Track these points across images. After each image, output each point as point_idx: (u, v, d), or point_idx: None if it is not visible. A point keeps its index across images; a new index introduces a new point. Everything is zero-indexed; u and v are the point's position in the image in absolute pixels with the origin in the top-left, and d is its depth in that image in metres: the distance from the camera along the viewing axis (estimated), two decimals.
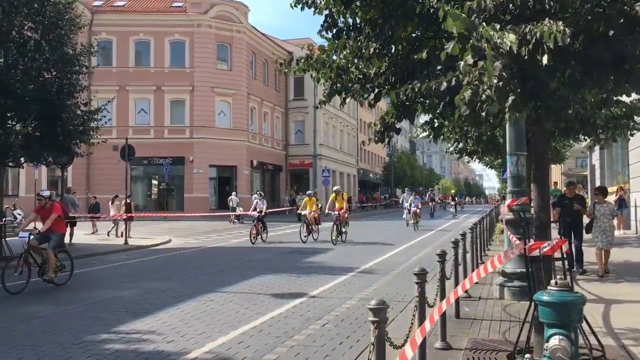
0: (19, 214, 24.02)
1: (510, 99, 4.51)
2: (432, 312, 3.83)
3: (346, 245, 19.14)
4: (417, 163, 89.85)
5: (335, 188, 22.31)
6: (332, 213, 20.12)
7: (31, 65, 14.45)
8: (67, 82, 15.73)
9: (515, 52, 4.05)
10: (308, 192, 24.55)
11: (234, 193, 35.87)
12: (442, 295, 6.53)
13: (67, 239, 17.64)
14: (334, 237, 19.16)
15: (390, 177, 69.76)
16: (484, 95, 4.41)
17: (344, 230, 20.07)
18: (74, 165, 23.37)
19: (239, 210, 32.75)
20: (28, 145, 14.68)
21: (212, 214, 34.33)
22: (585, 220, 11.67)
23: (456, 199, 51.83)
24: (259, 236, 19.97)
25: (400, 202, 44.00)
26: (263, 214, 20.56)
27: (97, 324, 7.82)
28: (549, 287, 3.30)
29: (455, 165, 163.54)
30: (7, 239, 15.63)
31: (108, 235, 22.45)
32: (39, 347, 6.58)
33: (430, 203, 44.32)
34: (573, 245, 11.41)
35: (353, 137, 61.68)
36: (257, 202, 20.96)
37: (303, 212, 21.16)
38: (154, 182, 39.82)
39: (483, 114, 4.32)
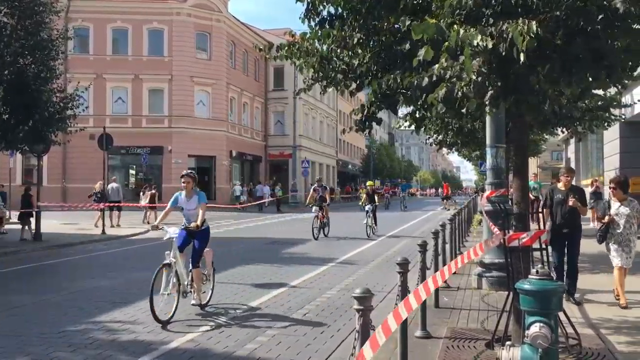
0: None
1: (489, 94, 4.57)
2: (412, 295, 3.87)
3: (326, 236, 19.20)
4: (395, 155, 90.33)
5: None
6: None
7: (7, 51, 14.18)
8: (43, 69, 15.47)
9: (494, 48, 4.09)
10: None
11: (237, 182, 39.10)
12: (428, 289, 6.60)
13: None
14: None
15: (370, 169, 69.99)
16: (459, 93, 4.45)
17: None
18: (50, 154, 22.98)
19: (243, 199, 36.29)
20: (3, 132, 14.42)
21: (222, 205, 34.29)
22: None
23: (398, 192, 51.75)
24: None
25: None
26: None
27: (78, 313, 7.77)
28: (529, 276, 3.37)
29: (433, 157, 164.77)
30: None
31: (145, 222, 23.87)
32: (19, 337, 6.52)
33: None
34: (565, 259, 8.19)
35: (332, 129, 61.73)
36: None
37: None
38: (132, 171, 39.43)
39: (463, 110, 4.36)
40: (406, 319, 5.33)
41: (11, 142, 15.70)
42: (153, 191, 25.34)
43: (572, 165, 28.55)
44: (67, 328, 6.93)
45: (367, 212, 19.08)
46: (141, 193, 26.47)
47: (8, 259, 13.68)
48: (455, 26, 4.02)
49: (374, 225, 19.20)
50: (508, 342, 3.61)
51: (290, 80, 47.98)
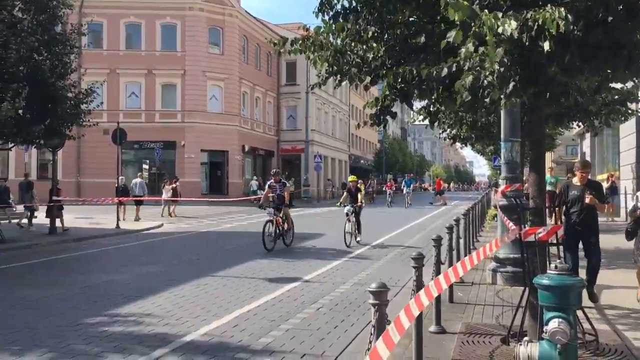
0: (10, 197, 23.78)
1: (511, 84, 4.52)
2: (423, 292, 3.84)
3: (339, 229, 19.16)
4: (408, 149, 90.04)
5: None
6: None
7: (23, 46, 14.27)
8: (58, 64, 15.57)
9: (516, 38, 4.05)
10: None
11: (254, 177, 39.81)
12: (439, 285, 6.57)
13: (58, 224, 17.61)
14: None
15: (382, 163, 69.83)
16: (485, 81, 4.41)
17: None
18: (65, 149, 23.13)
19: (260, 194, 35.77)
20: (19, 127, 14.54)
21: (238, 199, 34.48)
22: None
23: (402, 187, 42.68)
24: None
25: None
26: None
27: (92, 307, 7.82)
28: (548, 271, 3.33)
29: (446, 151, 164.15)
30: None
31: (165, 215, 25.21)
32: (34, 330, 6.57)
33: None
34: (587, 261, 7.64)
35: (345, 123, 61.60)
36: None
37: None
38: (145, 166, 39.61)
39: (487, 100, 4.31)
40: (421, 314, 5.30)
41: (26, 137, 15.82)
42: (174, 185, 26.38)
43: (588, 160, 28.26)
44: (82, 321, 6.98)
45: (347, 214, 14.97)
46: (162, 186, 27.46)
47: (23, 253, 13.81)
48: (486, 10, 3.98)
49: (356, 231, 15.04)
50: (525, 338, 3.56)
51: (302, 74, 47.91)
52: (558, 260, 3.43)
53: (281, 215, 14.17)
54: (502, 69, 4.35)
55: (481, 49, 4.25)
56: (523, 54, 4.35)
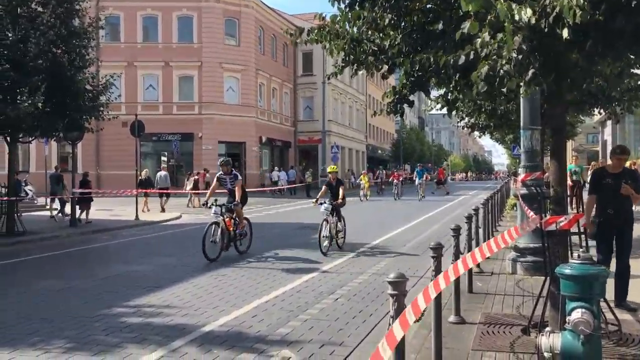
0: (30, 190, 24.14)
1: (531, 72, 4.42)
2: (442, 276, 3.80)
3: (356, 220, 19.13)
4: (426, 139, 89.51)
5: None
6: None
7: (42, 40, 14.38)
8: (76, 57, 15.67)
9: (534, 24, 3.95)
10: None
11: (276, 168, 40.62)
12: (457, 270, 6.50)
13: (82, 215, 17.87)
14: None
15: (400, 153, 69.54)
16: (501, 71, 4.33)
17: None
18: (84, 142, 23.35)
19: (282, 184, 38.10)
20: (39, 120, 14.68)
21: (262, 189, 34.96)
22: None
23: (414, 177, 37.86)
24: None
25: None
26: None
27: (112, 298, 7.88)
28: (571, 260, 3.26)
29: (464, 141, 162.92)
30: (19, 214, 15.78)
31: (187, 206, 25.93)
32: (54, 321, 6.64)
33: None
34: (616, 261, 6.79)
35: (362, 113, 61.38)
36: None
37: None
38: (163, 158, 39.83)
39: (504, 89, 4.22)
40: (440, 304, 5.25)
41: (46, 130, 15.97)
42: (197, 177, 27.32)
43: (609, 148, 27.83)
44: (102, 312, 7.04)
45: (325, 212, 11.98)
46: (186, 179, 28.32)
47: (44, 244, 13.98)
48: (501, 0, 3.89)
49: (335, 234, 12.10)
50: (548, 329, 3.50)
51: (319, 65, 47.78)
52: (581, 249, 3.35)
53: (233, 216, 11.47)
54: (520, 57, 4.26)
55: (499, 35, 4.16)
56: (542, 40, 4.26)
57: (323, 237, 11.61)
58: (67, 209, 18.62)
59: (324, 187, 13.07)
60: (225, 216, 11.21)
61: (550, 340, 3.27)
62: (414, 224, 18.10)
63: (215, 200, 11.30)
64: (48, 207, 21.09)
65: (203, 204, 11.76)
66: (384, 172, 47.56)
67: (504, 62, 4.12)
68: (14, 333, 6.13)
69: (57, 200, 20.18)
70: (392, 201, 31.32)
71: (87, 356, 5.36)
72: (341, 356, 5.36)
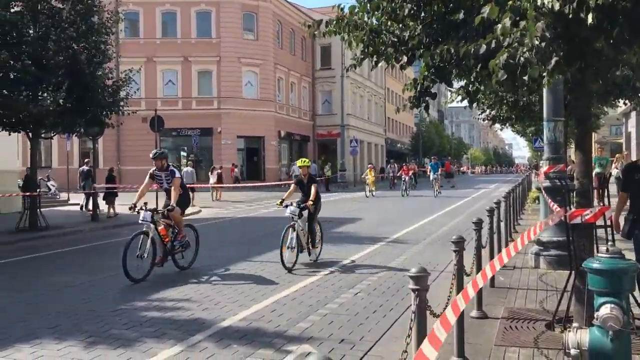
0: (53, 185, 24.47)
1: (554, 60, 4.30)
2: (474, 279, 3.72)
3: (376, 214, 19.05)
4: (445, 132, 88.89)
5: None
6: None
7: (62, 36, 14.49)
8: (96, 53, 15.77)
9: (558, 10, 3.83)
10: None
11: (293, 163, 39.51)
12: (479, 264, 6.42)
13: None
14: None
15: (419, 147, 69.13)
16: (522, 59, 4.21)
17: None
18: (105, 137, 23.61)
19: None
20: (60, 116, 14.81)
21: (283, 182, 35.20)
22: None
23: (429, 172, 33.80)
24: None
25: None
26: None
27: (131, 291, 7.91)
28: (598, 254, 3.16)
29: (484, 134, 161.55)
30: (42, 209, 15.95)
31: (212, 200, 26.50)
32: (75, 315, 6.68)
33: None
34: None
35: (381, 107, 61.08)
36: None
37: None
38: (183, 153, 40.07)
39: (525, 77, 4.10)
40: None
41: (67, 126, 16.11)
42: (220, 171, 28.11)
43: (633, 140, 27.33)
44: (122, 306, 7.06)
45: (292, 217, 9.54)
46: (209, 172, 28.76)
47: (66, 239, 14.13)
48: None
49: (307, 244, 9.84)
50: (575, 324, 3.40)
51: (337, 58, 47.56)
52: (609, 243, 3.24)
53: (172, 223, 9.33)
54: (542, 44, 4.14)
55: (521, 23, 4.05)
56: (567, 27, 4.13)
57: (287, 248, 9.25)
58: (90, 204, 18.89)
59: (292, 186, 10.75)
60: (158, 224, 8.98)
61: (578, 336, 3.17)
62: (419, 225, 17.90)
63: (145, 204, 9.10)
64: (79, 202, 21.59)
65: (129, 208, 8.89)
66: (395, 165, 43.61)
67: (525, 49, 4.00)
68: (35, 327, 6.17)
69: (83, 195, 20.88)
70: (399, 198, 28.61)
71: (107, 350, 5.37)
72: (361, 351, 5.30)
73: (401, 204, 24.94)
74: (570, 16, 3.87)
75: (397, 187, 35.13)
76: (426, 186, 33.92)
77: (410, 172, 34.28)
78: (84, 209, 20.62)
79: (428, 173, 32.22)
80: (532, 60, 4.02)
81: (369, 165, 33.77)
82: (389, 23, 6.14)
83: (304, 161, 10.63)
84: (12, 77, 14.23)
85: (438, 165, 32.33)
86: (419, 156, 68.57)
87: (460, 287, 4.64)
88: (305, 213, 9.73)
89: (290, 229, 9.42)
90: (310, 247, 9.93)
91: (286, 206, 9.74)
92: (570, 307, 5.28)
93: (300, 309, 6.83)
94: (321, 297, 7.44)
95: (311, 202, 9.85)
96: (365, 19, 6.27)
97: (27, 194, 15.72)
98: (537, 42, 4.07)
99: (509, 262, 9.11)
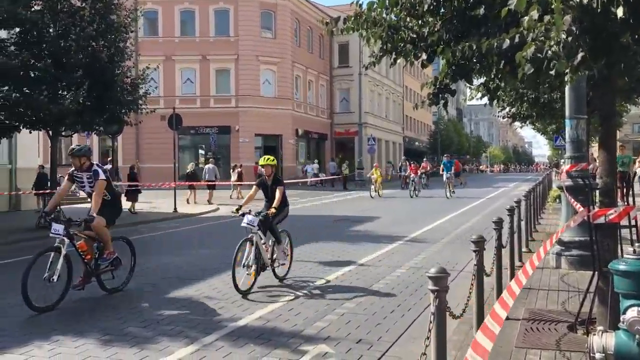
0: None
1: (580, 55, 4.19)
2: (508, 286, 3.63)
3: (393, 214, 18.93)
4: (464, 131, 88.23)
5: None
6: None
7: (81, 35, 14.59)
8: (115, 51, 15.87)
9: (586, 3, 3.73)
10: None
11: (316, 161, 41.43)
12: (499, 264, 6.31)
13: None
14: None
15: (437, 145, 68.70)
16: (549, 52, 4.11)
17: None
18: (124, 135, 23.80)
19: (322, 176, 39.53)
20: (80, 114, 14.93)
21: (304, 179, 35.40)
22: None
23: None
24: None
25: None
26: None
27: (149, 290, 7.92)
28: (625, 256, 3.05)
29: (504, 132, 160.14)
30: (61, 207, 16.08)
31: (230, 197, 26.48)
32: (92, 312, 6.70)
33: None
34: None
35: (399, 105, 60.79)
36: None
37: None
38: (201, 151, 40.24)
39: (552, 72, 3.99)
40: (482, 301, 5.08)
41: (87, 124, 16.24)
42: (240, 169, 28.21)
43: None
44: (139, 304, 7.07)
45: (247, 228, 7.80)
46: (231, 170, 29.39)
47: None
48: None
49: (270, 261, 8.11)
50: (599, 327, 3.30)
51: (355, 56, 47.45)
52: (636, 244, 3.14)
53: (94, 235, 7.55)
54: (569, 39, 4.03)
55: (546, 17, 3.95)
56: (594, 21, 4.02)
57: (246, 267, 7.55)
58: None
59: (253, 188, 8.75)
60: (76, 238, 7.35)
61: (603, 340, 3.08)
62: (399, 245, 17.65)
63: (59, 211, 7.12)
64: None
65: (39, 217, 6.73)
66: (407, 164, 37.21)
67: (552, 43, 3.90)
68: (52, 324, 6.20)
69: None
70: (407, 199, 26.50)
71: (123, 348, 5.37)
72: (379, 352, 5.23)
73: (392, 208, 21.81)
74: (599, 10, 3.76)
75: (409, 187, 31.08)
76: (439, 186, 31.58)
77: (420, 171, 31.60)
78: None
79: (441, 172, 29.52)
80: (560, 54, 3.91)
81: (375, 164, 31.70)
82: (407, 19, 6.04)
83: (267, 159, 8.53)
84: (32, 76, 14.37)
85: (452, 164, 29.76)
86: (437, 154, 68.13)
87: (480, 288, 4.56)
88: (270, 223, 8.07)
89: (248, 242, 7.61)
90: (275, 263, 8.22)
91: (243, 214, 7.90)
92: (593, 309, 5.16)
93: (318, 307, 6.78)
94: (339, 295, 7.38)
95: (274, 210, 8.00)
96: (384, 15, 6.19)
97: (47, 191, 15.85)
98: (563, 37, 3.97)
99: None
